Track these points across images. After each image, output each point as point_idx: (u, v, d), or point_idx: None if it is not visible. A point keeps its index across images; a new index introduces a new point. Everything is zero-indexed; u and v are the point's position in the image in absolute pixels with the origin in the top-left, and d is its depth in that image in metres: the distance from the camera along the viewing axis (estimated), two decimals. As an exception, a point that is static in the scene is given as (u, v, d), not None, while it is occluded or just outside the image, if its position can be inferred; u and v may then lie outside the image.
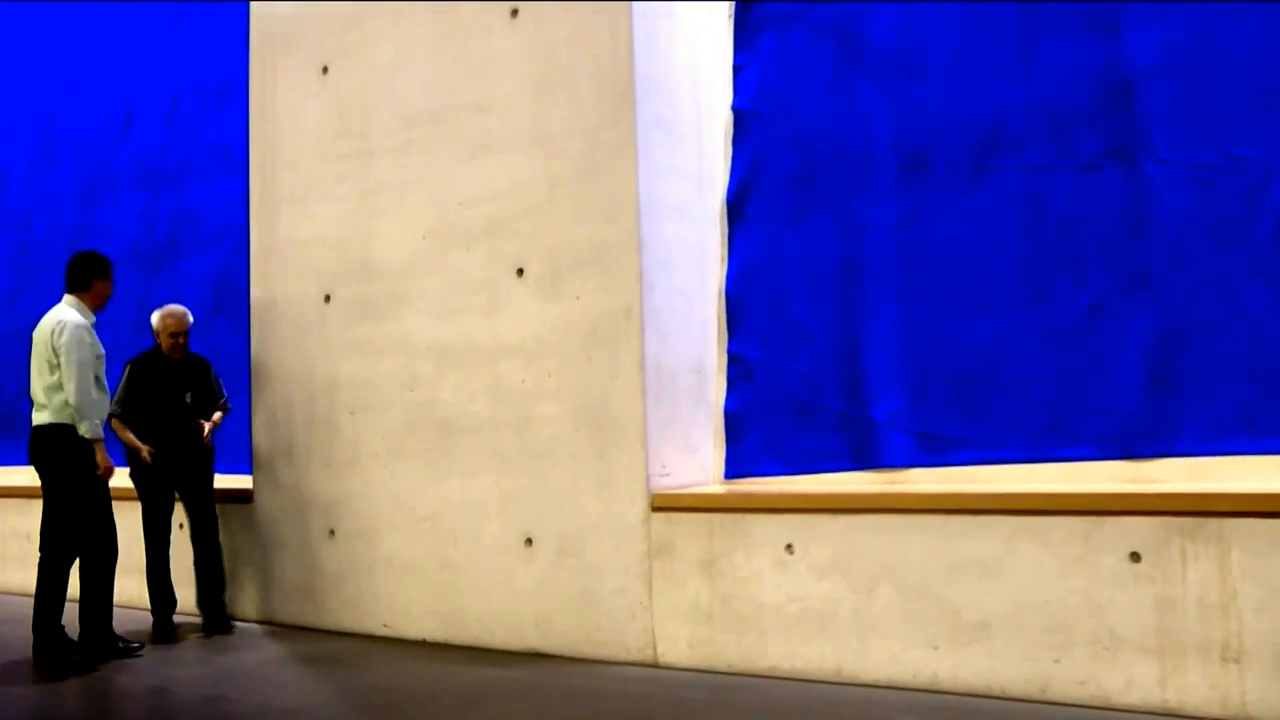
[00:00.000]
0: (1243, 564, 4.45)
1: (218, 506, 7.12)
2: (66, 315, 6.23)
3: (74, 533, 6.20)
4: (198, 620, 6.97)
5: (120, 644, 6.29)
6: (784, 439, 5.95)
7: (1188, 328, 5.06)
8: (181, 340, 7.02)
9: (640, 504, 5.70)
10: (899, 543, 5.10)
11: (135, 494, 6.95)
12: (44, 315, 6.31)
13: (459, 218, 6.30)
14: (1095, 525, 4.71)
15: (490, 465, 6.16)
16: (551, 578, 5.95)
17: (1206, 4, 5.09)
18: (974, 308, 5.51)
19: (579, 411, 5.89)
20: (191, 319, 7.08)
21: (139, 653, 6.28)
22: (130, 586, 7.25)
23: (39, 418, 6.20)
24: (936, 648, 5.00)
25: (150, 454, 6.79)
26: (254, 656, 6.24)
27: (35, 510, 8.08)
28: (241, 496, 7.17)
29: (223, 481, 7.25)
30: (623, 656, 5.74)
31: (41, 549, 6.22)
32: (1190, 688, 4.51)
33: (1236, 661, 4.44)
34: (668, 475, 5.81)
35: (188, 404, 7.02)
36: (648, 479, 5.70)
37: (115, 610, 6.36)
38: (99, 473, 6.18)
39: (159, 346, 7.05)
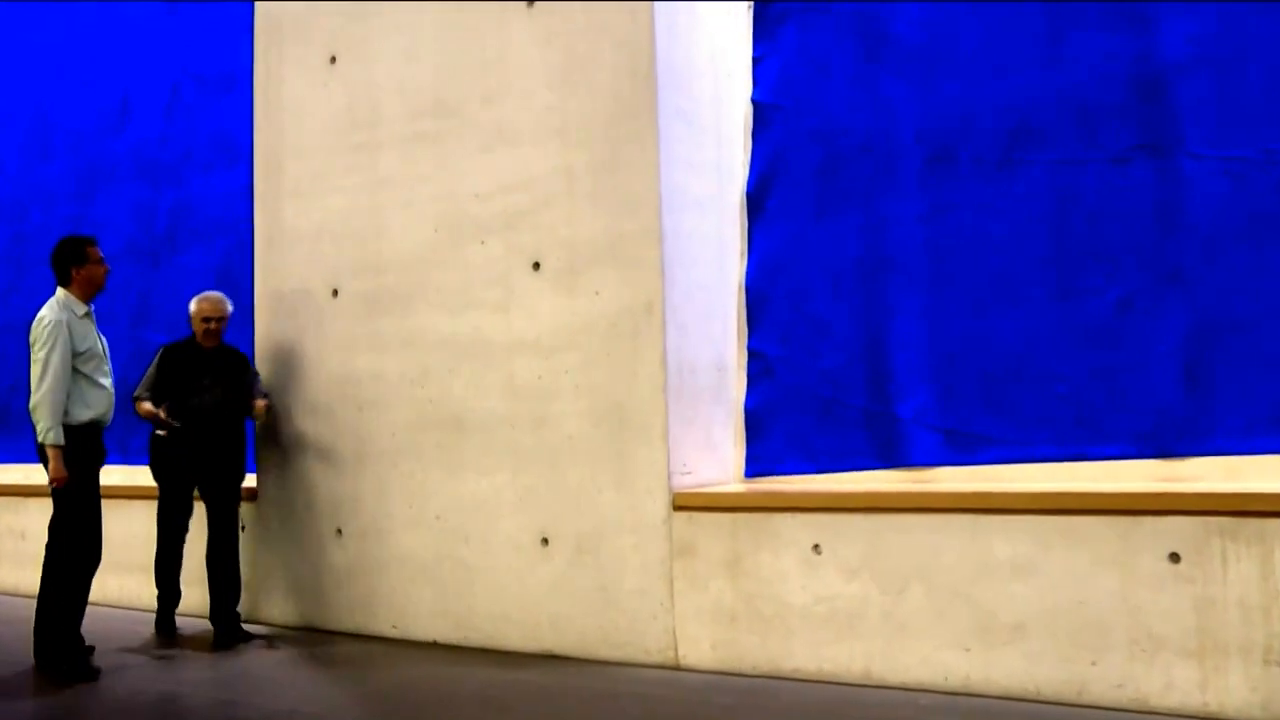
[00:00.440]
0: (1286, 565, 4.39)
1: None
2: (45, 310, 5.92)
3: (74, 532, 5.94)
4: (205, 626, 6.76)
5: (79, 660, 5.83)
6: (807, 437, 5.86)
7: (1221, 324, 4.98)
8: (214, 327, 6.69)
9: (661, 503, 5.60)
10: (930, 543, 5.01)
11: (151, 491, 6.76)
12: None
13: (473, 210, 6.18)
14: (1133, 525, 4.63)
15: (505, 463, 6.04)
16: (568, 578, 5.84)
17: (1239, -4, 5.03)
18: (1001, 303, 5.42)
19: (598, 408, 5.78)
20: (230, 307, 6.76)
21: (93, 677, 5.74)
22: (130, 585, 7.12)
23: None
24: (968, 649, 4.92)
25: (169, 417, 6.47)
26: (261, 659, 6.11)
27: (28, 508, 7.97)
28: (245, 495, 7.02)
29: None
30: (642, 659, 5.64)
31: (47, 549, 5.97)
32: (1231, 690, 4.44)
33: (1279, 664, 4.37)
34: (688, 474, 5.71)
35: (219, 397, 6.66)
36: (669, 477, 5.60)
37: (115, 610, 6.29)
38: (52, 480, 5.79)
39: (194, 335, 6.75)
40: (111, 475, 6.45)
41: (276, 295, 6.88)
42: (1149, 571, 4.59)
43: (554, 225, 5.93)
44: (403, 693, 5.34)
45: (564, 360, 5.88)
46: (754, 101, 6.17)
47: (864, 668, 5.14)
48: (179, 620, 6.79)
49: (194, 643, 6.49)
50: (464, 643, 6.16)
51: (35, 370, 5.79)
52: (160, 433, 6.56)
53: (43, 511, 6.07)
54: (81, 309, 5.96)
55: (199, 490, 6.75)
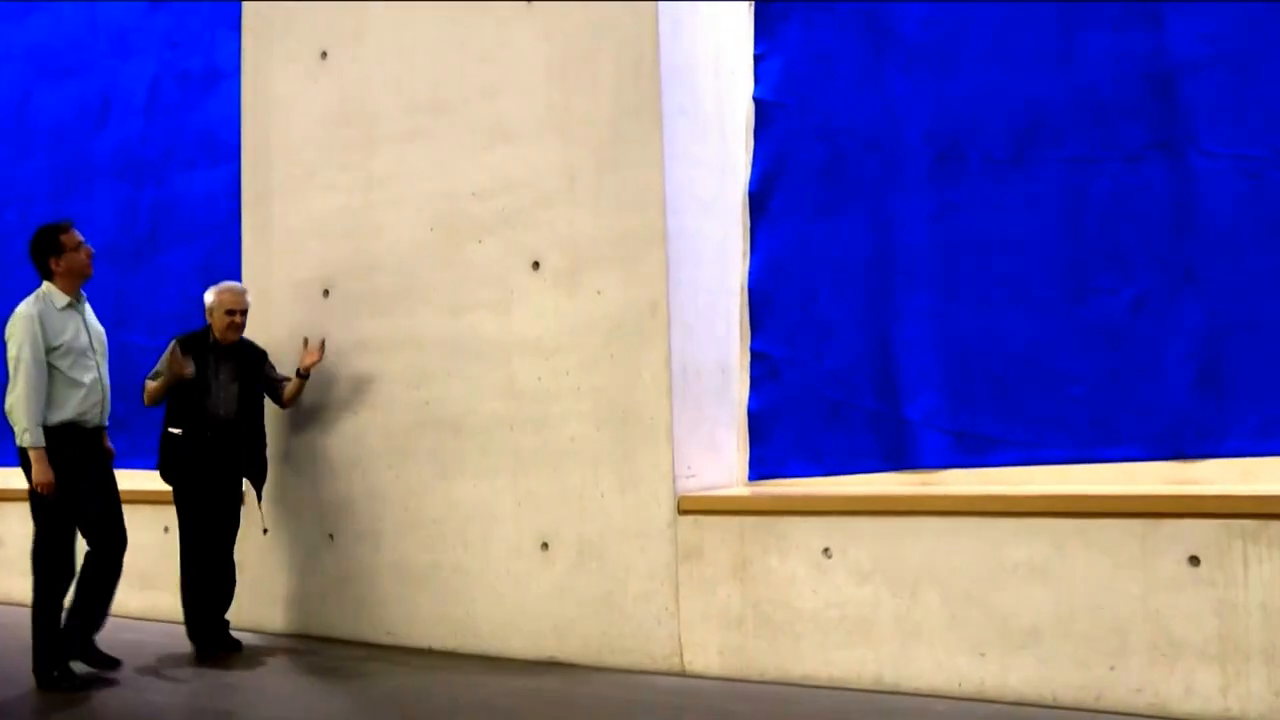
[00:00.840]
0: (1308, 567, 4.35)
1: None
2: (19, 305, 5.58)
3: (89, 535, 5.64)
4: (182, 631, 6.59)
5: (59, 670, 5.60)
6: (812, 439, 5.77)
7: (1237, 324, 4.93)
8: (240, 320, 6.33)
9: (667, 506, 5.51)
10: (943, 546, 4.95)
11: (151, 496, 6.56)
12: None
13: (470, 209, 6.07)
14: (1151, 528, 4.58)
15: (504, 466, 5.94)
16: (570, 583, 5.74)
17: (1252, -6, 4.98)
18: (1012, 304, 5.36)
19: (600, 410, 5.68)
20: (249, 300, 6.42)
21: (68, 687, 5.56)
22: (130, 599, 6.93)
23: None
24: (983, 654, 4.85)
25: (190, 371, 6.10)
26: (255, 668, 5.97)
27: (12, 514, 7.76)
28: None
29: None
30: (647, 665, 5.54)
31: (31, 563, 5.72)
32: (1253, 695, 4.39)
33: (1301, 667, 4.34)
34: (693, 477, 5.62)
35: (238, 395, 6.32)
36: (674, 480, 5.51)
37: (130, 624, 6.11)
38: (35, 485, 5.47)
39: (209, 329, 6.35)
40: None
41: (265, 296, 6.73)
42: (1169, 575, 4.54)
43: (555, 224, 5.83)
44: (408, 702, 5.22)
45: (565, 361, 5.78)
46: (756, 99, 6.08)
47: (876, 673, 5.07)
48: (161, 627, 6.63)
49: (177, 651, 6.34)
50: (462, 649, 6.05)
51: (10, 369, 5.50)
52: (174, 431, 6.20)
53: (20, 518, 5.91)
54: (62, 300, 5.61)
55: (208, 489, 6.30)
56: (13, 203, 8.71)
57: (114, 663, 5.84)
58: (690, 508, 5.49)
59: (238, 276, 6.87)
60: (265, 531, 6.61)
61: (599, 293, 5.70)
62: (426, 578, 6.16)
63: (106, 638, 5.89)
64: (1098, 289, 5.19)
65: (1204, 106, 5.04)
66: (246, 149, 6.89)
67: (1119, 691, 4.60)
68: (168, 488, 6.33)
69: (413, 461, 6.22)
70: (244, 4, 6.99)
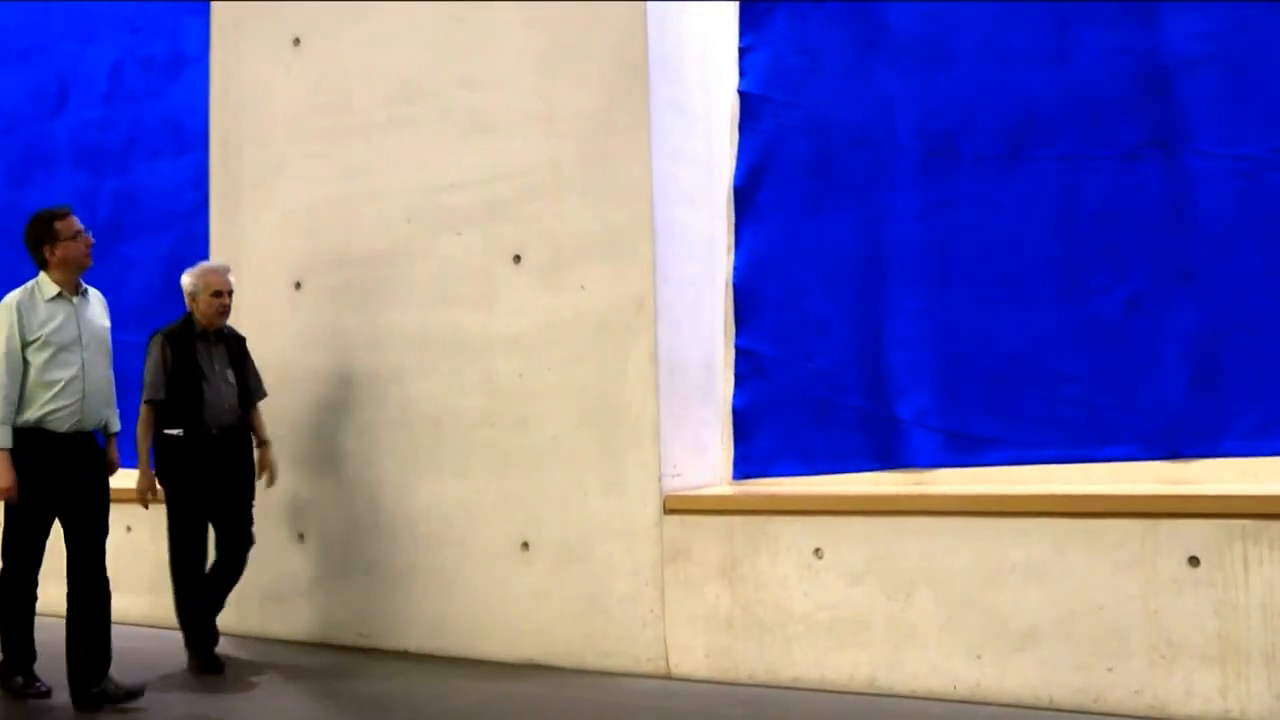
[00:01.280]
0: (1309, 568, 4.33)
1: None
2: (5, 296, 5.16)
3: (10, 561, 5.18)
4: (155, 636, 6.36)
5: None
6: (800, 438, 5.70)
7: (1233, 324, 4.93)
8: (227, 301, 5.83)
9: (653, 506, 5.40)
10: (939, 547, 4.88)
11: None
12: None
13: (449, 201, 5.93)
14: (1151, 528, 4.54)
15: (483, 465, 5.80)
16: (552, 584, 5.62)
17: (1248, -7, 4.97)
18: (1005, 302, 5.32)
19: (584, 408, 5.56)
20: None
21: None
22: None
23: None
24: (979, 657, 4.80)
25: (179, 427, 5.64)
26: (224, 672, 5.77)
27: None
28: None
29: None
30: (631, 668, 5.43)
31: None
32: (1253, 697, 4.36)
33: (1302, 669, 4.31)
34: (678, 476, 5.52)
35: (233, 386, 5.86)
36: (660, 479, 5.41)
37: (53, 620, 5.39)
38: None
39: (190, 316, 5.83)
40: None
41: (234, 289, 6.53)
42: (1168, 575, 4.50)
43: (538, 217, 5.71)
44: (388, 705, 5.10)
45: (547, 358, 5.66)
46: (741, 93, 6.00)
47: (869, 676, 4.99)
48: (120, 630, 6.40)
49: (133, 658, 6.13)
50: (438, 652, 5.91)
51: None
52: (175, 432, 5.69)
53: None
54: (51, 290, 5.14)
55: (213, 497, 5.80)
56: (-35, 190, 8.45)
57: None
58: (677, 507, 5.39)
59: (204, 267, 6.69)
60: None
61: (583, 288, 5.59)
62: (401, 579, 6.02)
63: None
64: (1092, 288, 5.17)
65: (1200, 105, 5.04)
66: (215, 138, 6.69)
67: (1118, 693, 4.55)
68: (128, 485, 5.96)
69: (388, 460, 6.07)
70: (212, -12, 6.81)
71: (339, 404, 6.22)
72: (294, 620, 6.35)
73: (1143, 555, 4.54)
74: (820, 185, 5.76)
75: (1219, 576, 4.43)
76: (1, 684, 5.32)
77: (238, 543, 5.84)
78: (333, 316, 6.25)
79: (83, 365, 5.16)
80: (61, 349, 5.11)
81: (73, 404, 5.12)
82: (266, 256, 6.45)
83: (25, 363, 5.07)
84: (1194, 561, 4.46)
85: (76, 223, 5.25)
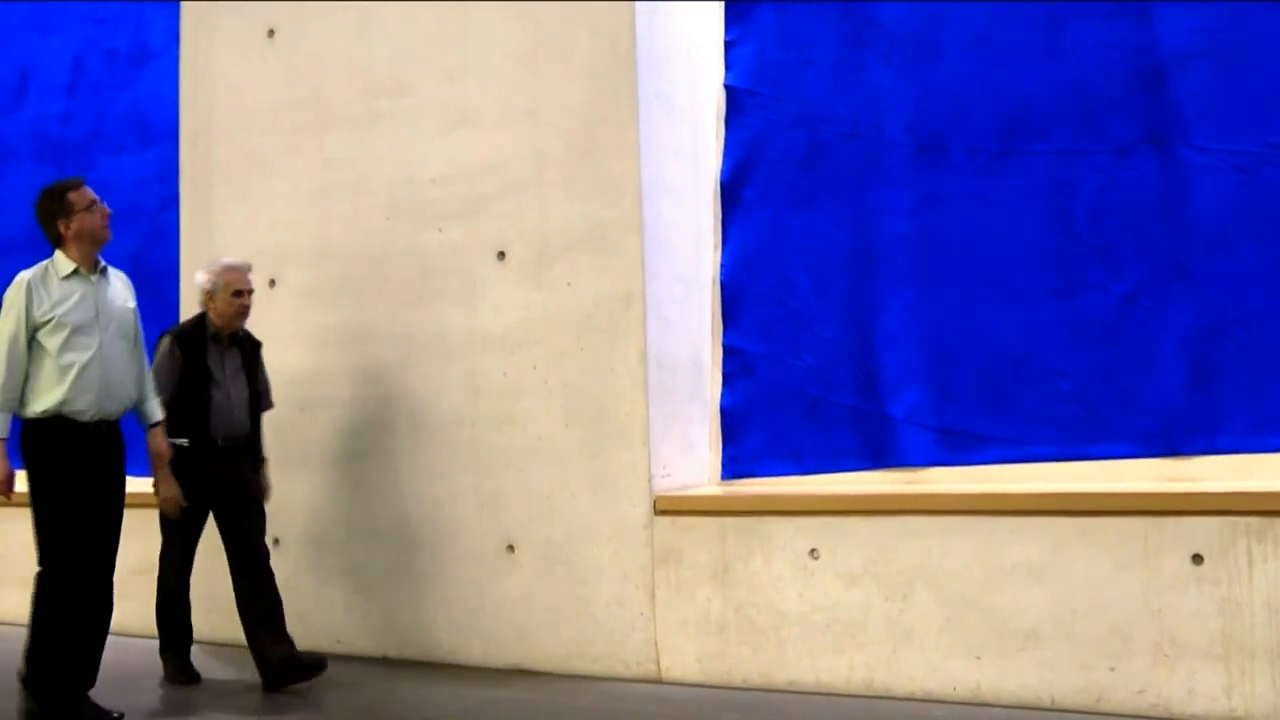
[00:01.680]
0: (1314, 565, 4.30)
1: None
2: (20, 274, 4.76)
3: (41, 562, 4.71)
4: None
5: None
6: (790, 437, 5.62)
7: (1229, 320, 4.90)
8: (248, 302, 5.48)
9: (642, 507, 5.30)
10: (937, 547, 4.82)
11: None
12: None
13: (430, 195, 5.80)
14: (1154, 526, 4.49)
15: (465, 465, 5.68)
16: (537, 588, 5.51)
17: (1242, -12, 4.94)
18: (999, 299, 5.26)
19: (571, 407, 5.46)
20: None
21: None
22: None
23: None
24: (979, 658, 4.73)
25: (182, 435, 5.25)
26: (199, 681, 5.61)
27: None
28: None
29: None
30: (620, 672, 5.33)
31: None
32: (1258, 696, 4.33)
33: (1307, 667, 4.28)
34: (667, 476, 5.42)
35: (245, 393, 5.50)
36: (650, 480, 5.31)
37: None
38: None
39: (203, 317, 5.48)
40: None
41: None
42: (1172, 574, 4.46)
43: (522, 212, 5.59)
44: (372, 712, 4.97)
45: (532, 355, 5.54)
46: (727, 86, 5.91)
47: (866, 678, 4.92)
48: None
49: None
50: (419, 658, 5.78)
51: None
52: (180, 442, 5.27)
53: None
54: (66, 268, 4.74)
55: (218, 510, 5.49)
56: (-82, 186, 8.18)
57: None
58: (668, 508, 5.29)
59: (173, 265, 6.50)
60: (275, 542, 6.00)
61: (569, 284, 5.48)
62: (380, 584, 5.88)
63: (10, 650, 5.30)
64: (1087, 284, 5.13)
65: (1195, 101, 5.01)
66: (185, 132, 6.51)
67: (1120, 693, 4.51)
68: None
69: (366, 461, 5.92)
70: (181, -22, 6.63)
71: (316, 404, 6.07)
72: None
73: (1145, 553, 4.49)
74: (809, 180, 5.68)
75: (1223, 574, 4.39)
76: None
77: (253, 559, 5.43)
78: (309, 314, 6.10)
79: (100, 348, 4.74)
80: (77, 330, 4.70)
81: (91, 390, 4.71)
82: (240, 253, 6.21)
83: (38, 345, 4.67)
84: (1198, 559, 4.42)
85: (90, 193, 4.87)
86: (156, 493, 5.15)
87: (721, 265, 5.86)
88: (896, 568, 4.88)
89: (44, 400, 4.67)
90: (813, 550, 5.03)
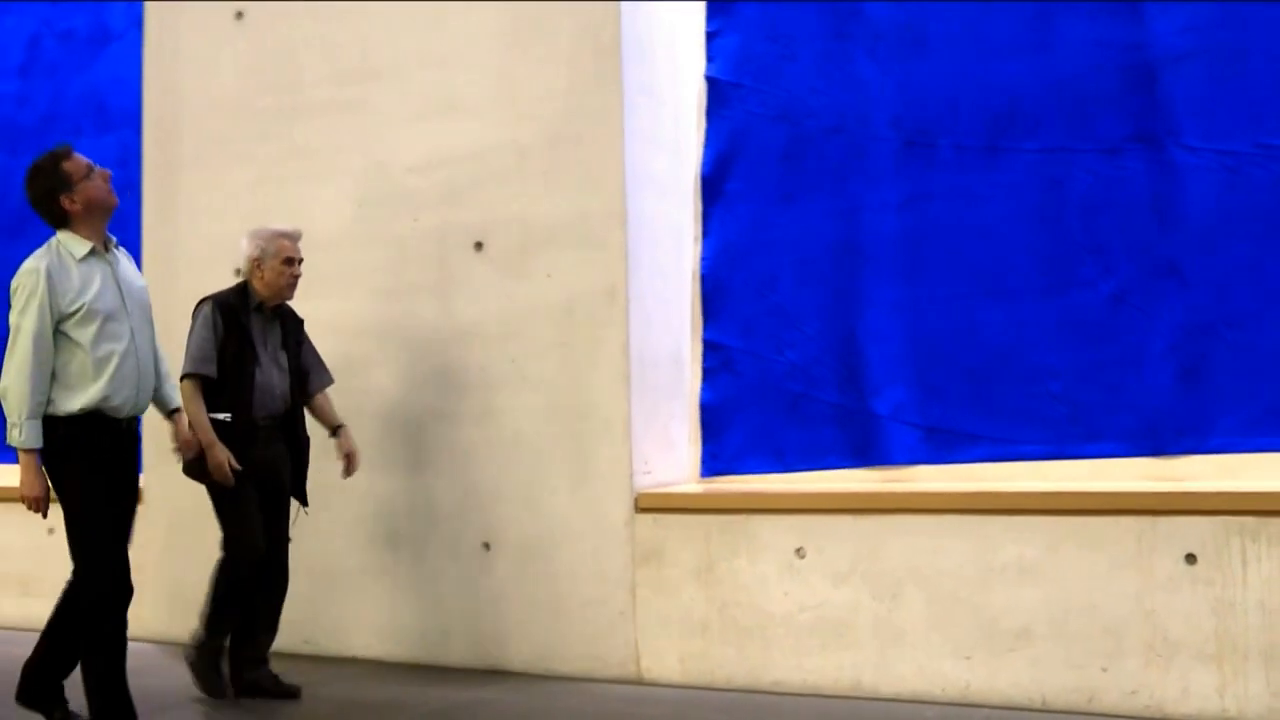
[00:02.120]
0: (1308, 565, 4.28)
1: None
2: (27, 259, 4.27)
3: (77, 562, 4.29)
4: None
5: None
6: (772, 434, 5.53)
7: (1220, 320, 4.88)
8: (299, 273, 5.07)
9: (624, 504, 5.21)
10: (927, 546, 4.76)
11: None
12: None
13: (405, 184, 5.66)
14: (1148, 526, 4.47)
15: (440, 461, 5.55)
16: (514, 586, 5.39)
17: (1232, -13, 4.92)
18: (986, 296, 5.22)
19: (550, 402, 5.34)
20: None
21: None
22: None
23: None
24: (969, 657, 4.68)
25: (232, 466, 4.83)
26: (168, 681, 5.42)
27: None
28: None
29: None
30: (600, 673, 5.23)
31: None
32: (1251, 696, 4.31)
33: (1301, 667, 4.26)
34: (648, 473, 5.33)
35: (289, 372, 5.10)
36: (632, 477, 5.20)
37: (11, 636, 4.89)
38: (21, 498, 4.23)
39: (245, 287, 5.07)
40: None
41: (169, 275, 6.15)
42: (1165, 574, 4.43)
43: (501, 202, 5.47)
44: (344, 713, 4.84)
45: (510, 349, 5.43)
46: (709, 78, 5.82)
47: (854, 679, 4.85)
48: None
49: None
50: (389, 658, 5.64)
51: (9, 341, 4.20)
52: (221, 417, 4.89)
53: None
54: (82, 248, 4.25)
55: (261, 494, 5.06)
56: None
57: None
58: (650, 505, 5.20)
59: (135, 252, 6.26)
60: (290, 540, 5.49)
61: (549, 276, 5.37)
62: (351, 582, 5.73)
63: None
64: (1076, 282, 5.10)
65: (1185, 100, 4.99)
66: (149, 117, 6.30)
67: (1113, 694, 4.48)
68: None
69: (335, 456, 5.76)
70: (145, -42, 6.43)
71: (282, 397, 5.90)
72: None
73: (1139, 553, 4.46)
74: (792, 174, 5.60)
75: (1216, 574, 4.37)
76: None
77: (274, 552, 5.08)
78: (277, 305, 5.93)
79: (132, 336, 4.32)
80: (109, 318, 4.24)
81: (130, 384, 4.30)
82: (205, 241, 6.09)
83: (63, 339, 4.18)
84: (1191, 559, 4.40)
85: (83, 158, 4.37)
86: (194, 474, 4.92)
87: (702, 259, 5.77)
88: (885, 567, 4.81)
89: (78, 398, 4.19)
90: (799, 549, 4.95)
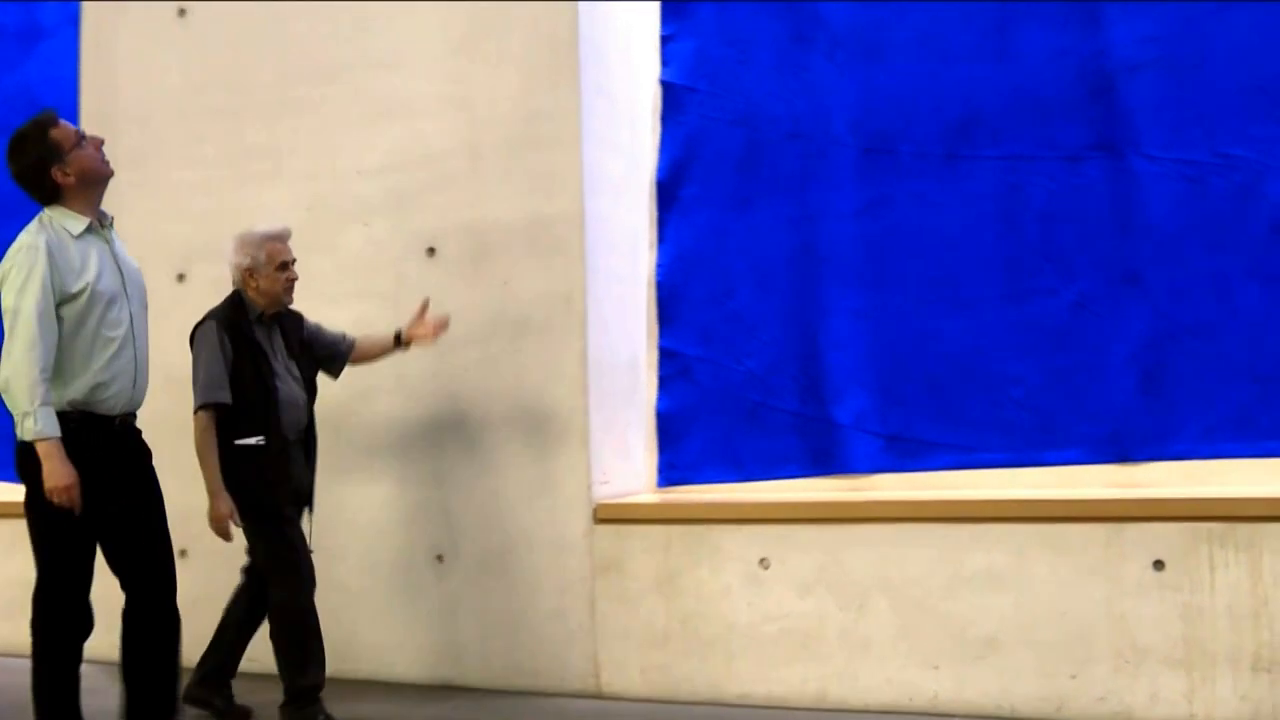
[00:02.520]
0: (1275, 570, 4.30)
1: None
2: (20, 236, 3.86)
3: (122, 577, 4.04)
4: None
5: None
6: (731, 443, 5.47)
7: (1180, 327, 4.90)
8: (295, 276, 4.74)
9: (582, 515, 5.11)
10: (894, 555, 4.72)
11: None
12: None
13: (355, 188, 5.51)
14: (1115, 532, 4.46)
15: (391, 471, 5.41)
16: (468, 599, 5.27)
17: (1191, -2, 4.95)
18: (947, 303, 5.20)
19: (505, 410, 5.24)
20: None
21: None
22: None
23: None
24: (937, 667, 4.64)
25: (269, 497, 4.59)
26: (108, 702, 5.20)
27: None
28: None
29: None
30: (558, 687, 5.12)
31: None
32: (1219, 700, 4.32)
33: (1268, 671, 4.28)
34: (606, 483, 5.23)
35: (306, 380, 4.83)
36: (591, 487, 5.10)
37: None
38: (48, 494, 3.75)
39: (239, 298, 4.74)
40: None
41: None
42: (1133, 580, 4.43)
43: (454, 207, 5.36)
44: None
45: (463, 357, 5.30)
46: (664, 82, 5.74)
47: (819, 690, 4.79)
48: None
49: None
50: (338, 675, 5.42)
51: (5, 329, 3.78)
52: (252, 441, 4.59)
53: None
54: (78, 224, 3.89)
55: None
56: None
57: None
58: (609, 516, 5.10)
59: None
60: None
61: (505, 283, 5.26)
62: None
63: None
64: (1037, 289, 5.10)
65: (1145, 109, 5.01)
66: (86, 118, 6.06)
67: (1082, 701, 4.46)
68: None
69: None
70: (81, -47, 6.22)
71: (226, 407, 5.72)
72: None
73: (1107, 560, 4.45)
74: (749, 180, 5.55)
75: (1185, 580, 4.37)
76: None
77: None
78: (219, 311, 5.75)
79: (131, 323, 3.97)
80: (111, 301, 3.88)
81: (125, 375, 3.92)
82: (145, 245, 5.80)
83: (60, 324, 3.79)
84: (1159, 565, 4.39)
85: (69, 127, 4.03)
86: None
87: (658, 265, 5.69)
88: (851, 576, 4.76)
89: (66, 392, 3.82)
90: (763, 559, 4.88)
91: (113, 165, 4.18)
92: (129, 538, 3.98)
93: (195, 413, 4.57)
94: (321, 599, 5.47)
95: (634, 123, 5.67)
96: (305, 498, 4.83)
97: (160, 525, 4.09)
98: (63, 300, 3.77)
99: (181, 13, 5.91)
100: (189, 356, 5.50)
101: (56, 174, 3.91)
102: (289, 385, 4.74)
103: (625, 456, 5.44)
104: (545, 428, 5.17)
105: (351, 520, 5.45)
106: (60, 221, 3.89)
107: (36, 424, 3.70)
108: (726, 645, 4.91)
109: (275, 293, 4.72)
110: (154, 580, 4.04)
